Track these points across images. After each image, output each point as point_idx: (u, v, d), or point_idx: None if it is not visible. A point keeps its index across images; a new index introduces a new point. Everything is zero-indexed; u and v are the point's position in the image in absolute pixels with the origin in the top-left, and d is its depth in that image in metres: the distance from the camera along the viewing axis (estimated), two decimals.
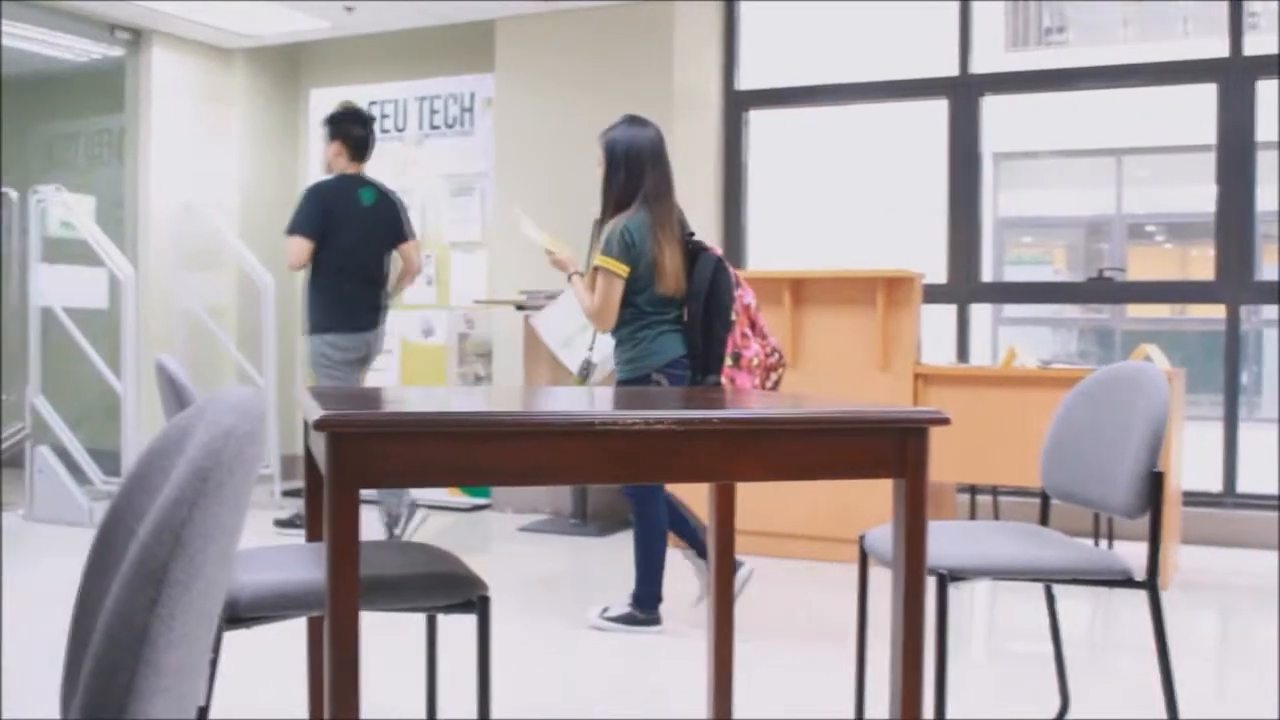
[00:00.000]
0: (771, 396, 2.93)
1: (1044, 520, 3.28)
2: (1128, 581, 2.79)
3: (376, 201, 6.15)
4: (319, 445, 2.21)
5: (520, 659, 4.21)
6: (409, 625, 3.21)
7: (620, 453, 2.15)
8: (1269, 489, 6.47)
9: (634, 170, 4.39)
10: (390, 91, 8.13)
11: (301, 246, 5.97)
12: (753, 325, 4.48)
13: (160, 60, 8.05)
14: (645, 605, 4.59)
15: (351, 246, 6.02)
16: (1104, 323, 16.45)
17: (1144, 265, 17.41)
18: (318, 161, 8.33)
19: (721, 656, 3.12)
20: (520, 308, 7.10)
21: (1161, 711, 2.85)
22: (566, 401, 2.68)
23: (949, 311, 7.06)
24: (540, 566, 6.06)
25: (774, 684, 3.96)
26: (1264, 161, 6.60)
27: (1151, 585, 2.78)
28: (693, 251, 4.44)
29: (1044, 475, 3.20)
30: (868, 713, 3.19)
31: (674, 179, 4.50)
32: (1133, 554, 2.98)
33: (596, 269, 4.35)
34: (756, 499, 5.31)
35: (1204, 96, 6.73)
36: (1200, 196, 8.35)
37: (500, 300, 7.26)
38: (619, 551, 6.32)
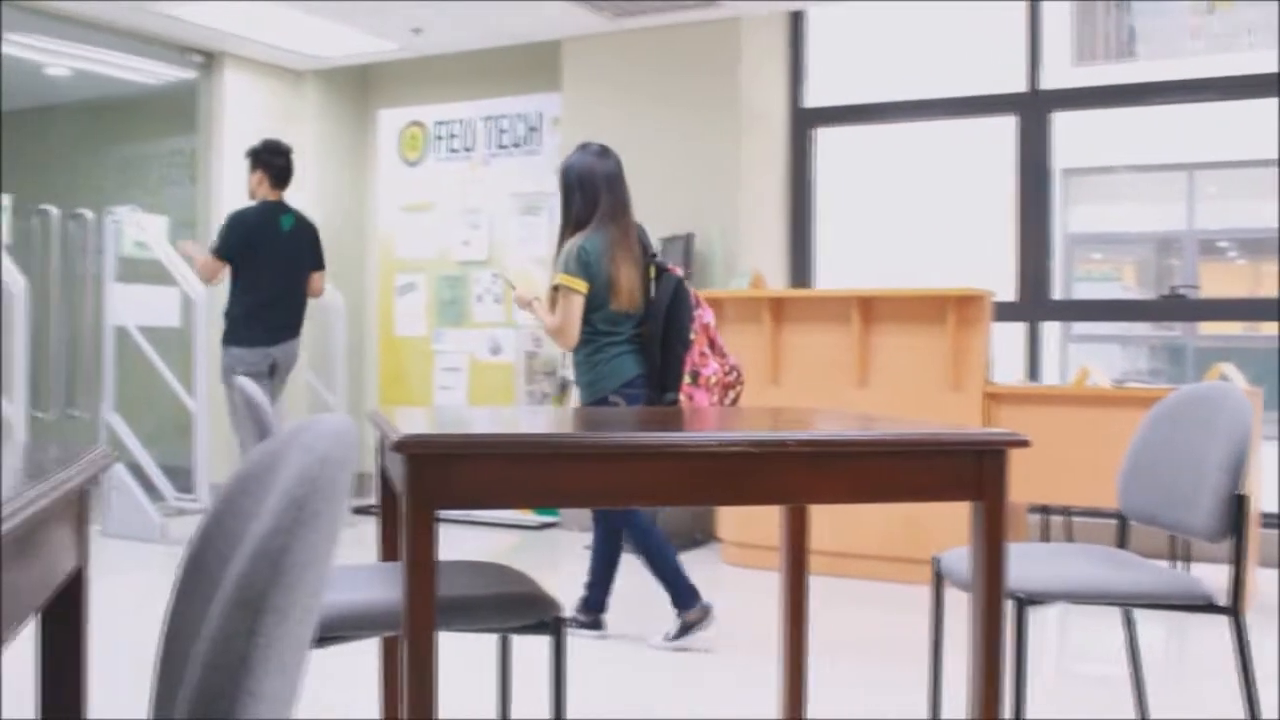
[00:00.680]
0: (845, 418, 2.91)
1: (1121, 543, 3.23)
2: (1210, 607, 2.74)
3: (295, 227, 6.71)
4: (396, 466, 2.22)
5: (592, 680, 4.20)
6: (477, 644, 3.21)
7: (696, 475, 2.14)
8: None
9: (588, 192, 4.50)
10: (458, 111, 8.18)
11: (214, 267, 6.56)
12: (711, 344, 4.60)
13: (232, 82, 8.16)
14: (688, 604, 4.62)
15: (268, 267, 6.53)
16: (1175, 339, 16.22)
17: (1216, 281, 17.16)
18: (386, 181, 8.44)
19: (793, 678, 3.10)
20: None
21: None
22: (638, 423, 2.68)
23: (1017, 329, 6.99)
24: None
25: (846, 707, 3.93)
26: None
27: (1235, 611, 2.73)
28: (656, 271, 4.54)
29: (1121, 497, 3.16)
30: None
31: (630, 199, 4.60)
32: (1210, 576, 2.93)
33: (556, 288, 4.41)
34: (824, 519, 5.28)
35: (1272, 111, 6.63)
36: (1273, 212, 8.22)
37: None
38: (688, 570, 6.31)
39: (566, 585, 6.06)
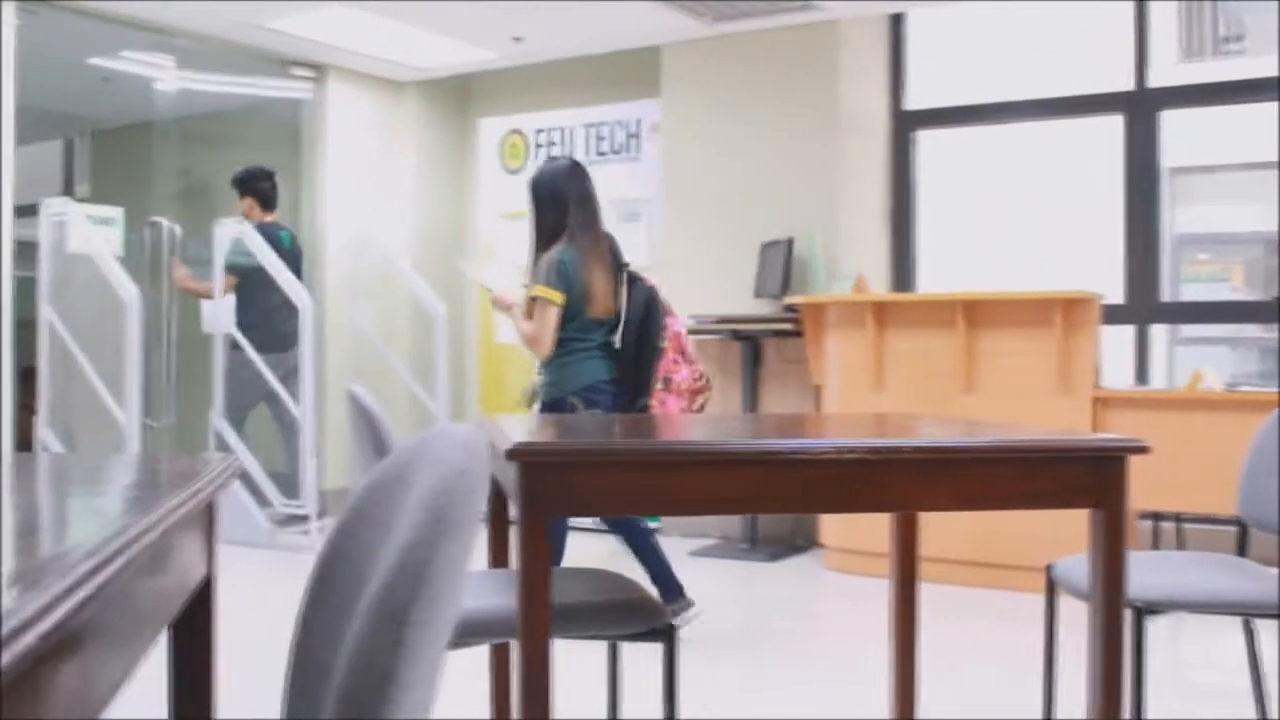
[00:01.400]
0: (953, 424, 2.88)
1: (1241, 550, 3.16)
2: None
3: (292, 243, 7.45)
4: (507, 474, 2.23)
5: (697, 685, 4.20)
6: (580, 649, 3.22)
7: (810, 482, 2.13)
8: None
9: (559, 205, 4.65)
10: (557, 119, 8.23)
11: (229, 281, 7.30)
12: (682, 352, 4.77)
13: (336, 95, 8.27)
14: (675, 599, 4.78)
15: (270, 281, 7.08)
16: None
17: None
18: (486, 190, 8.51)
19: (904, 687, 3.07)
20: (689, 332, 7.11)
21: None
22: (746, 429, 2.67)
23: (1123, 332, 6.86)
24: (713, 592, 6.04)
25: (958, 710, 3.88)
26: None
27: None
28: (628, 280, 4.72)
29: (1241, 504, 3.09)
30: None
31: (600, 210, 4.76)
32: None
33: (533, 299, 4.58)
34: (931, 525, 5.23)
35: None
36: None
37: None
38: (791, 576, 6.29)
39: None
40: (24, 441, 7.33)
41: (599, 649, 3.00)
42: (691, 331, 7.03)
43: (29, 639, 0.68)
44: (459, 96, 8.92)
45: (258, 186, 7.38)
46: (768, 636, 5.21)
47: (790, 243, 6.94)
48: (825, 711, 4.03)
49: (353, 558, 1.20)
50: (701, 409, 4.79)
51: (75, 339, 6.77)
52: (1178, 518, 6.27)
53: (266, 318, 7.25)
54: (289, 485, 7.22)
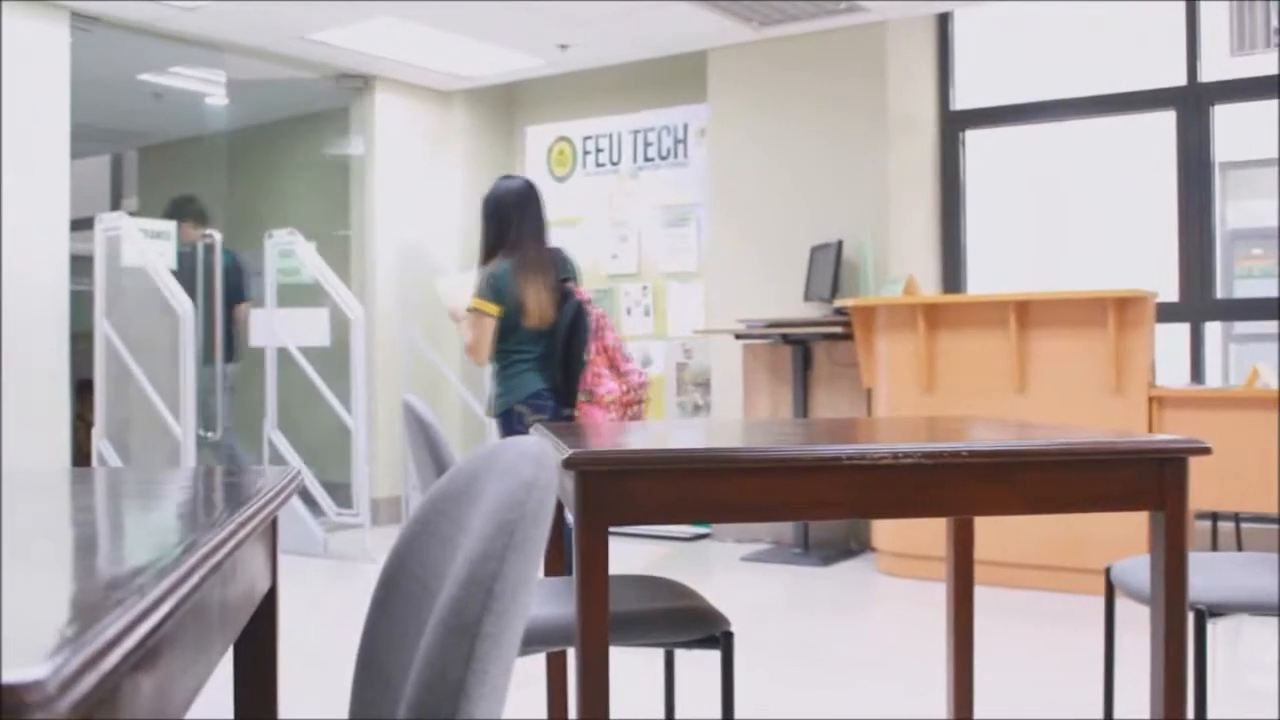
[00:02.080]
0: (1006, 426, 2.86)
1: None
2: None
3: (230, 263, 7.91)
4: (564, 482, 2.23)
5: (753, 691, 4.19)
6: (634, 655, 3.23)
7: (867, 487, 2.12)
8: None
9: (503, 220, 4.86)
10: (604, 125, 8.25)
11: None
12: (612, 365, 4.92)
13: (383, 105, 8.33)
14: None
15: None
16: None
17: None
18: None
19: (961, 691, 3.05)
20: (738, 336, 7.11)
21: None
22: (800, 435, 2.66)
23: (1177, 330, 6.79)
24: (765, 597, 6.03)
25: (1016, 712, 3.86)
26: None
27: None
28: (563, 294, 4.86)
29: None
30: None
31: (544, 227, 4.94)
32: None
33: (471, 310, 4.80)
34: (986, 527, 5.19)
35: None
36: None
37: (718, 329, 7.28)
38: (844, 581, 6.27)
39: (721, 596, 6.05)
40: (81, 454, 7.41)
41: (653, 652, 3.00)
42: (740, 336, 7.04)
43: (113, 658, 0.68)
44: (506, 105, 8.96)
45: (191, 210, 7.97)
46: (821, 641, 5.19)
47: (839, 245, 6.92)
48: (881, 716, 4.01)
49: (415, 569, 1.21)
50: (635, 420, 4.96)
51: (130, 351, 6.85)
52: (1236, 518, 6.20)
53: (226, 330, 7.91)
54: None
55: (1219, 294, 7.01)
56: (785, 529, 7.11)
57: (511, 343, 4.80)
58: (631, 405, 4.92)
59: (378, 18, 6.94)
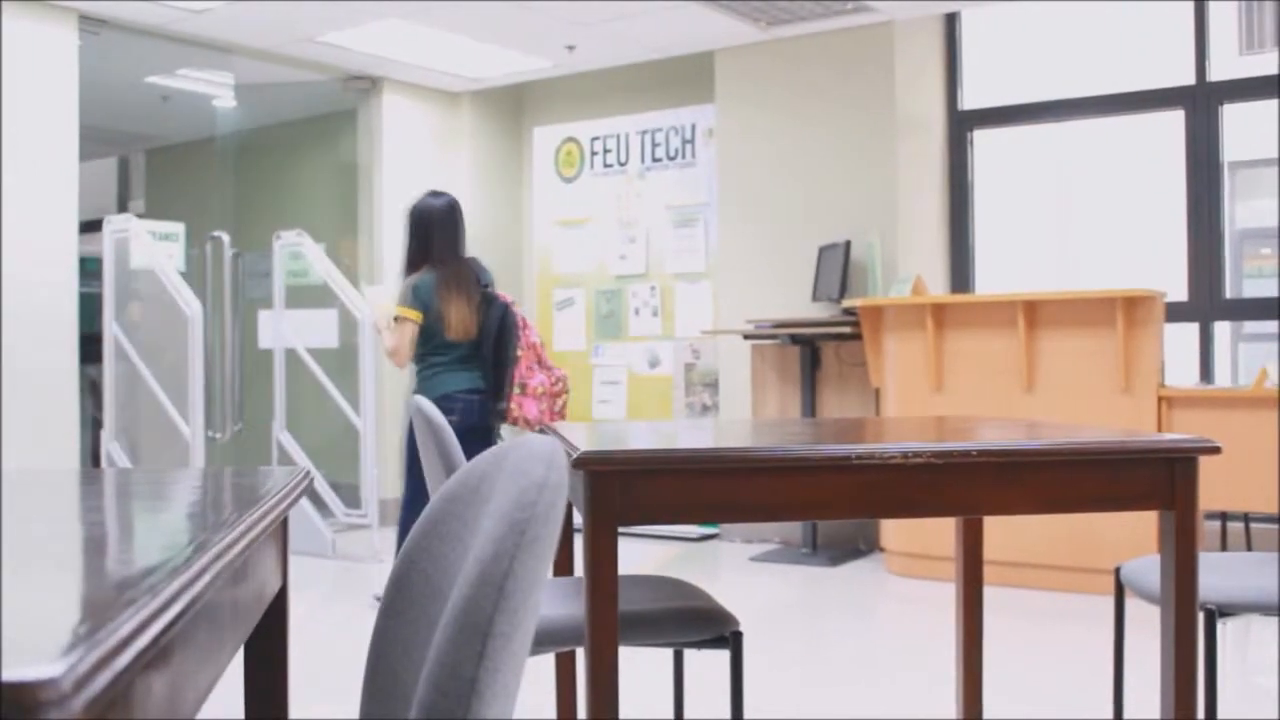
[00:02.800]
0: (1014, 426, 2.86)
1: None
2: None
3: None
4: (573, 482, 2.23)
5: (764, 691, 4.19)
6: (643, 655, 3.23)
7: (878, 487, 2.12)
8: None
9: (423, 234, 5.18)
10: (611, 126, 8.24)
11: None
12: (539, 360, 5.27)
13: (392, 106, 8.33)
14: None
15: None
16: None
17: None
18: (542, 198, 8.54)
19: (970, 691, 3.05)
20: (747, 337, 7.11)
21: None
22: (809, 435, 2.66)
23: (1186, 330, 6.77)
24: (777, 597, 6.03)
25: (1026, 712, 3.85)
26: None
27: None
28: (487, 299, 5.16)
29: None
30: None
31: (463, 242, 5.25)
32: None
33: (396, 317, 5.09)
34: (995, 527, 5.19)
35: None
36: None
37: (726, 330, 7.28)
38: (852, 581, 6.26)
39: (729, 596, 6.05)
40: (90, 454, 7.43)
41: (662, 652, 3.01)
42: (748, 336, 7.04)
43: (126, 657, 0.69)
44: (513, 106, 8.96)
45: None
46: (830, 641, 5.19)
47: (847, 245, 6.91)
48: (890, 715, 4.01)
49: (426, 569, 1.21)
50: (561, 411, 5.30)
51: (139, 352, 6.86)
52: (1245, 518, 6.19)
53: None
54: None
55: (1228, 294, 6.99)
56: (794, 529, 7.10)
57: (430, 348, 5.10)
58: (559, 396, 5.26)
59: (385, 20, 6.95)
